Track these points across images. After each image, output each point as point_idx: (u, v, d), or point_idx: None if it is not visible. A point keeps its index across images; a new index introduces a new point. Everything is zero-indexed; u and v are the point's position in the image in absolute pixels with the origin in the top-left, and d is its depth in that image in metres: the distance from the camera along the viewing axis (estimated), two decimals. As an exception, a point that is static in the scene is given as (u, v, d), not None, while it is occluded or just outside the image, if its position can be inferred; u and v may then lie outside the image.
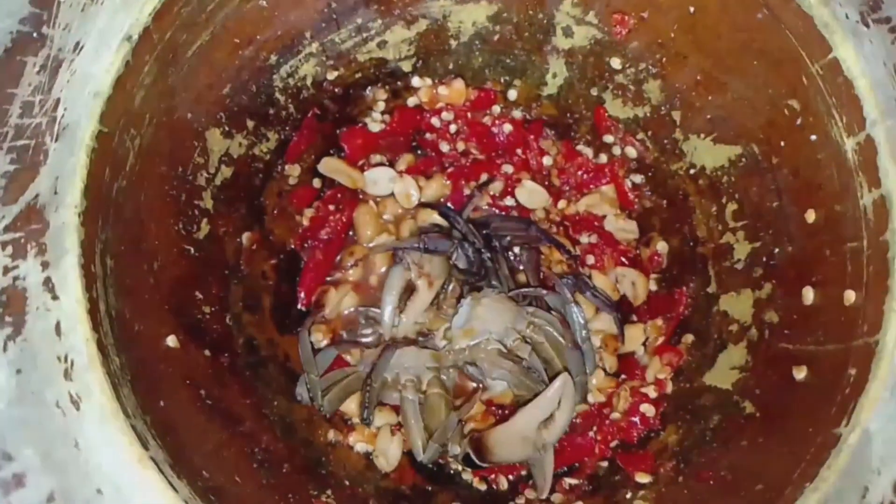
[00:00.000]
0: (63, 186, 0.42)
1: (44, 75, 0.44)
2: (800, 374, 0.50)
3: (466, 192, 0.68)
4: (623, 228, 0.67)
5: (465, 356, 0.61)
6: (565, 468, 0.60)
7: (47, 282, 0.41)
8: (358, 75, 0.64)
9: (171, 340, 0.51)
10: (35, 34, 0.45)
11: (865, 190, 0.47)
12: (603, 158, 0.68)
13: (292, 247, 0.66)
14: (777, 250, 0.55)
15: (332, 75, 0.63)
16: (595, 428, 0.59)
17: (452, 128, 0.69)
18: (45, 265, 0.41)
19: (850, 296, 0.47)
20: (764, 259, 0.56)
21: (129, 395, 0.43)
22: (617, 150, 0.67)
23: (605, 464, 0.59)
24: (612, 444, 0.59)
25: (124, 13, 0.45)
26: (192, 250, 0.56)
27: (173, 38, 0.49)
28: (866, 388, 0.43)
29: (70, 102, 0.44)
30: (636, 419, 0.59)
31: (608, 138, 0.67)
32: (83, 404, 0.40)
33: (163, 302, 0.52)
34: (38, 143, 0.43)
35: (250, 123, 0.60)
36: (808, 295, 0.51)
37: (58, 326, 0.41)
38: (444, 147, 0.69)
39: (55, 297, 0.41)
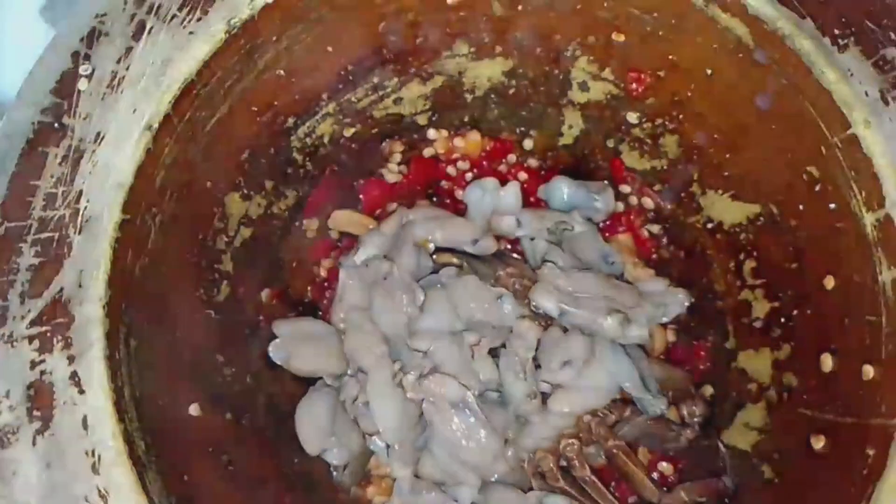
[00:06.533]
0: (87, 279, 0.43)
1: (66, 166, 0.45)
2: (818, 443, 0.50)
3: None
4: (641, 278, 0.67)
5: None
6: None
7: (73, 376, 0.42)
8: (374, 130, 0.65)
9: (194, 409, 0.52)
10: (56, 124, 0.45)
11: (885, 267, 0.47)
12: (620, 207, 0.68)
13: (310, 298, 0.67)
14: (796, 312, 0.55)
15: (348, 132, 0.63)
16: (613, 484, 0.60)
17: (468, 176, 0.69)
18: (70, 359, 0.42)
19: (868, 370, 0.47)
20: (783, 320, 0.56)
21: (155, 479, 0.44)
22: (634, 200, 0.67)
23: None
24: (631, 502, 0.60)
25: (144, 101, 0.46)
26: (213, 314, 0.57)
27: (192, 117, 0.49)
28: (884, 474, 0.43)
29: (93, 194, 0.44)
30: (654, 476, 0.60)
31: (625, 188, 0.67)
32: (111, 499, 0.41)
33: (185, 371, 0.53)
34: (61, 235, 0.44)
35: (269, 184, 0.61)
36: (827, 362, 0.51)
37: (84, 421, 0.42)
38: (460, 194, 0.69)
39: (81, 392, 0.42)
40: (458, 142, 0.67)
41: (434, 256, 0.65)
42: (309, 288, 0.67)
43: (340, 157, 0.65)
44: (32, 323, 0.43)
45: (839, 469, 0.47)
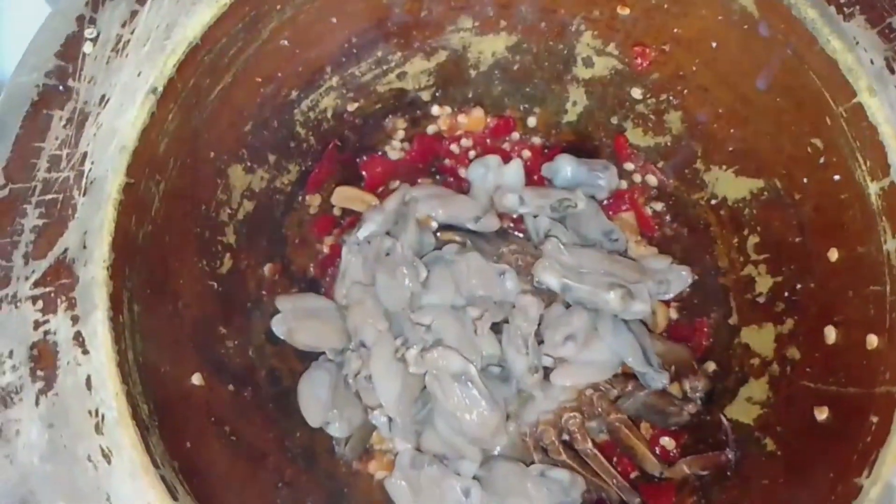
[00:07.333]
0: (91, 241, 0.43)
1: (70, 129, 0.44)
2: (821, 414, 0.50)
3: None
4: (644, 255, 0.67)
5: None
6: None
7: (77, 336, 0.42)
8: (378, 106, 0.65)
9: (197, 378, 0.52)
10: (61, 87, 0.45)
11: (889, 236, 0.47)
12: (623, 185, 0.67)
13: (313, 275, 0.67)
14: (799, 286, 0.55)
15: (352, 107, 0.63)
16: (615, 458, 0.60)
17: (471, 154, 0.69)
18: (74, 320, 0.42)
19: (872, 340, 0.47)
20: (786, 294, 0.56)
21: (158, 443, 0.44)
22: (637, 178, 0.67)
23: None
24: (633, 476, 0.60)
25: (148, 65, 0.46)
26: (216, 286, 0.57)
27: (196, 84, 0.49)
28: (888, 439, 0.43)
29: (97, 156, 0.44)
30: (656, 451, 0.60)
31: (628, 166, 0.67)
32: (114, 458, 0.41)
33: (188, 340, 0.53)
34: (65, 197, 0.44)
35: (272, 158, 0.60)
36: (830, 334, 0.51)
37: (88, 381, 0.41)
38: (463, 172, 0.69)
39: (85, 352, 0.42)
40: (461, 118, 0.67)
41: (438, 234, 0.65)
42: (311, 265, 0.67)
43: (343, 133, 0.65)
44: (36, 284, 0.42)
45: (842, 438, 0.47)
